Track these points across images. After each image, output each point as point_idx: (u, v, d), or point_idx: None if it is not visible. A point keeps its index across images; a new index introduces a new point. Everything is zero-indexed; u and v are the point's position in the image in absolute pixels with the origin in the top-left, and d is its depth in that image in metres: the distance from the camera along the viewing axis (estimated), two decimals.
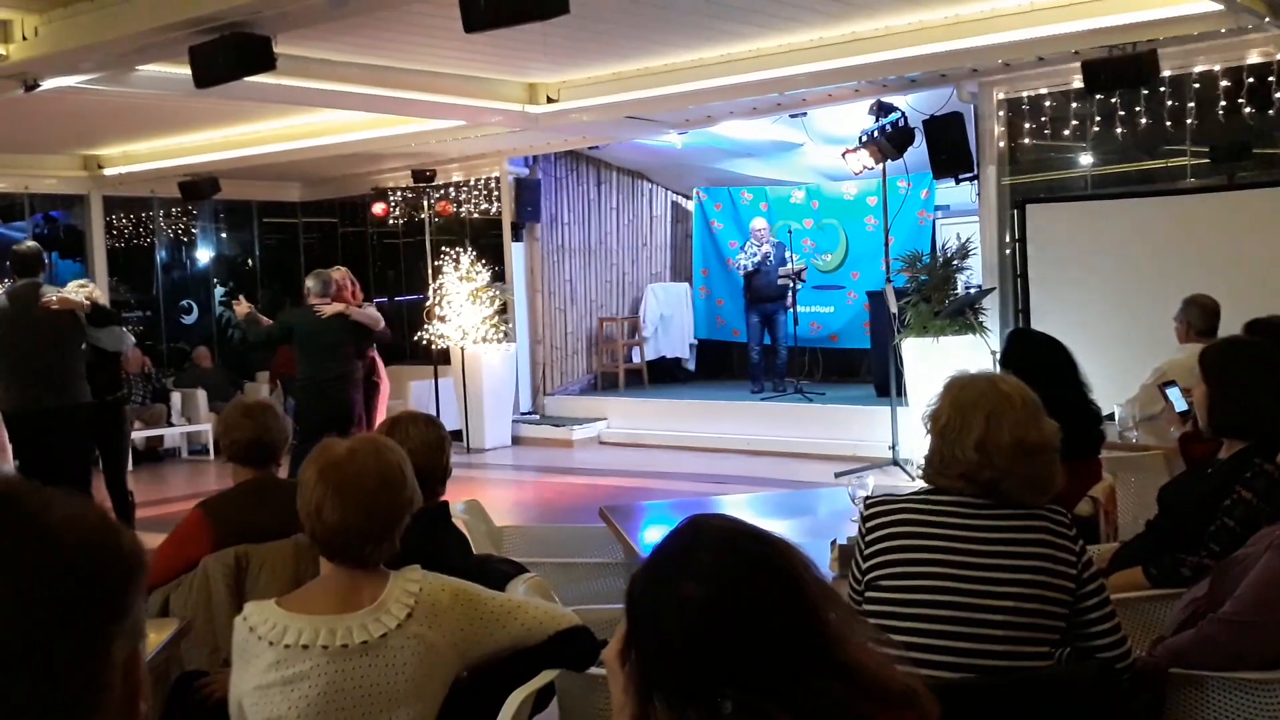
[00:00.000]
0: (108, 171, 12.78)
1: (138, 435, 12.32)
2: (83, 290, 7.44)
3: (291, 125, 11.06)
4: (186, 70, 6.71)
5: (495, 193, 13.42)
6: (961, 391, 2.57)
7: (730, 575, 1.51)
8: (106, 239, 13.73)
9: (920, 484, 2.70)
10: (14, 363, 7.18)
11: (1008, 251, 10.10)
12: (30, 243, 7.69)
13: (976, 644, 2.42)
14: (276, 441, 3.86)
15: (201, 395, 13.08)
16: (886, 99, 9.89)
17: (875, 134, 9.77)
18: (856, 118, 10.44)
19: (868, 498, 2.72)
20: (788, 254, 12.53)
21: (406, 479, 2.49)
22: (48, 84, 7.61)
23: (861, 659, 1.51)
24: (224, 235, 15.52)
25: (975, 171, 10.20)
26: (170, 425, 12.79)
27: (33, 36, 6.98)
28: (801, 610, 1.49)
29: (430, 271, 13.03)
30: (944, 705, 1.56)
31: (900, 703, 1.51)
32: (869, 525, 2.60)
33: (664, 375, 14.30)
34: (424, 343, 12.66)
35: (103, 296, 7.97)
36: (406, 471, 2.50)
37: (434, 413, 6.22)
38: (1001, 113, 10.09)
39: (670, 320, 14.34)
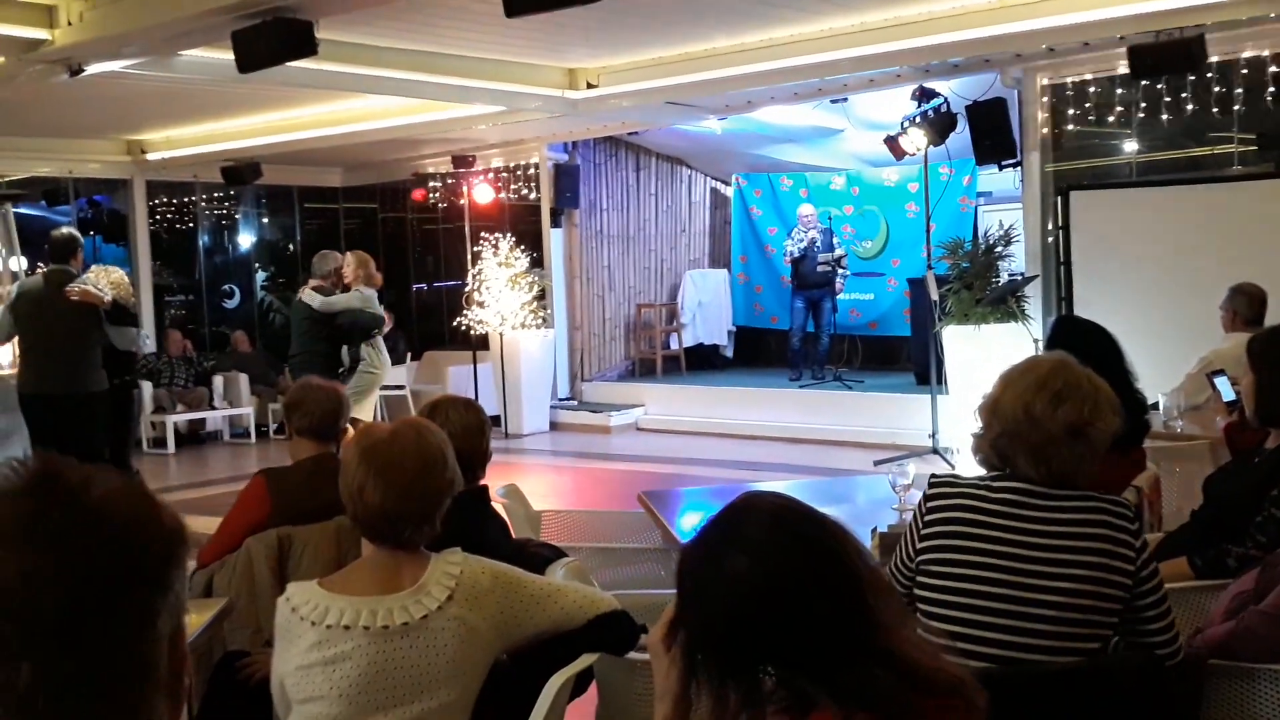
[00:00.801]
0: (151, 156, 12.89)
1: (180, 418, 12.45)
2: (106, 277, 7.53)
3: (333, 110, 11.12)
4: (229, 55, 6.75)
5: (534, 178, 13.43)
6: (1014, 367, 2.61)
7: (778, 552, 1.50)
8: (149, 223, 13.85)
9: (959, 472, 2.68)
10: (35, 346, 7.38)
11: (1050, 239, 10.01)
12: (66, 229, 7.78)
13: (1028, 637, 2.39)
14: (338, 419, 3.91)
15: (243, 379, 13.19)
16: (929, 84, 9.82)
17: (917, 119, 9.69)
18: (898, 103, 10.36)
19: (932, 475, 2.67)
20: (834, 239, 12.46)
21: (447, 462, 2.50)
22: (92, 69, 7.68)
23: (908, 648, 1.49)
24: (265, 220, 15.63)
25: (1019, 158, 10.10)
26: (212, 408, 12.91)
27: (77, 21, 7.05)
28: (849, 593, 1.48)
29: (469, 257, 13.06)
30: (991, 694, 1.54)
31: (946, 692, 1.49)
32: (930, 505, 2.57)
33: (702, 362, 14.28)
34: (463, 328, 12.70)
35: (129, 293, 8.00)
36: (448, 454, 2.51)
37: (472, 398, 6.30)
38: (1046, 98, 9.99)
39: (708, 307, 14.30)
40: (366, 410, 8.31)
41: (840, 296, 12.51)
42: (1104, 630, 2.45)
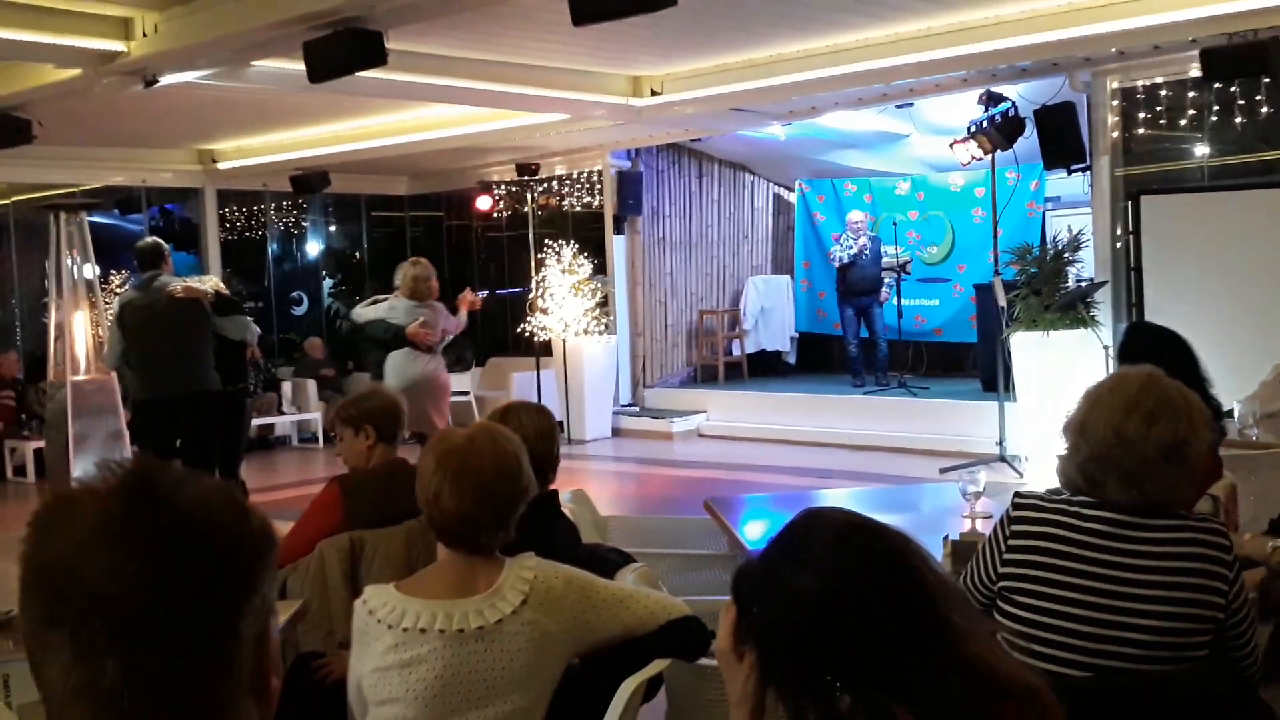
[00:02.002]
0: (221, 165, 13.09)
1: (250, 423, 12.63)
2: (206, 283, 7.67)
3: (400, 119, 11.23)
4: (300, 65, 6.84)
5: (597, 186, 13.48)
6: (1101, 384, 2.51)
7: (845, 568, 1.49)
8: (219, 231, 14.06)
9: (1025, 480, 2.64)
10: (146, 353, 7.45)
11: (1120, 244, 9.88)
12: (150, 237, 7.92)
13: (1116, 661, 2.33)
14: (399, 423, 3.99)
15: (311, 385, 13.37)
16: (996, 89, 9.73)
17: (984, 124, 9.61)
18: (965, 107, 10.28)
19: (1017, 494, 2.55)
20: (883, 247, 12.39)
21: (522, 467, 2.51)
22: (166, 79, 7.81)
23: (983, 656, 1.48)
24: (333, 228, 15.82)
25: (1087, 162, 9.98)
26: (281, 414, 13.08)
27: (152, 33, 7.18)
28: (919, 605, 1.46)
29: (533, 264, 13.14)
30: (1068, 705, 1.53)
31: (1023, 700, 1.48)
32: (1015, 528, 2.47)
33: (764, 368, 14.24)
34: (526, 335, 12.77)
35: (218, 285, 8.16)
36: (522, 460, 2.53)
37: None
38: (1115, 102, 9.86)
39: (771, 313, 14.26)
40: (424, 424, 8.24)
41: (905, 303, 12.41)
42: (1194, 656, 2.36)
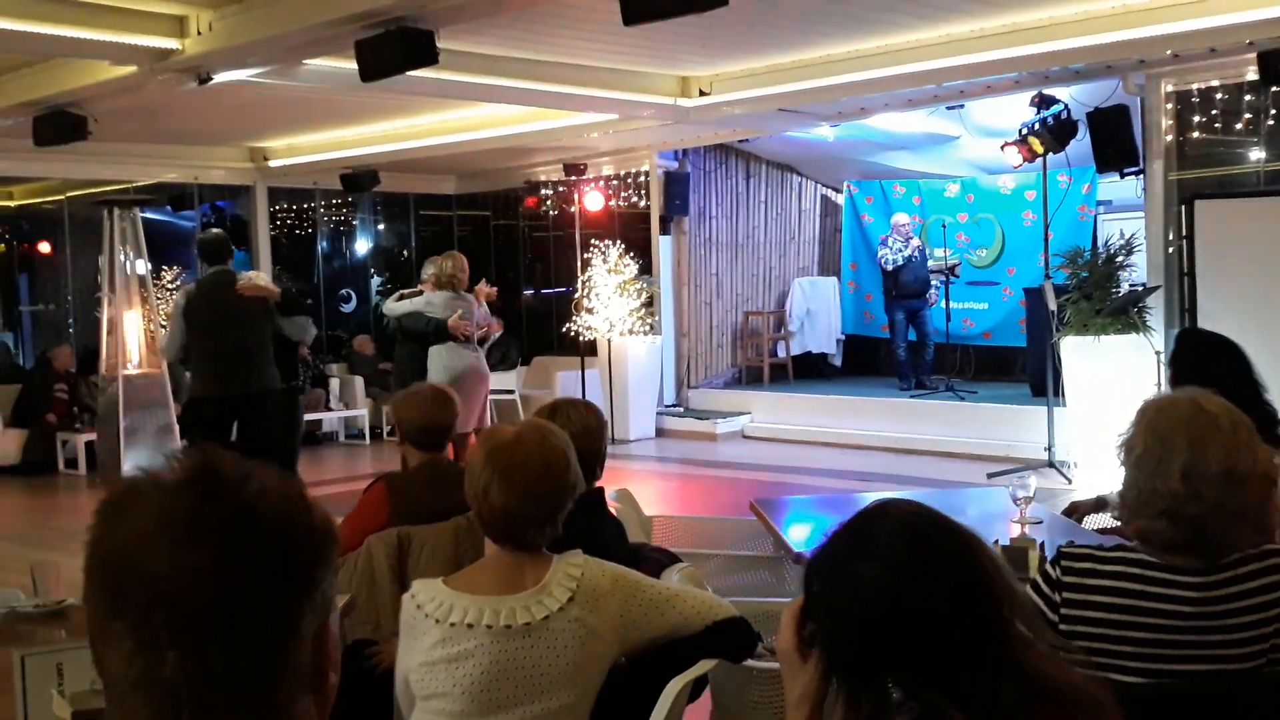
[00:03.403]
0: (273, 163, 13.22)
1: None
2: (262, 281, 7.69)
3: (448, 119, 11.29)
4: (352, 64, 6.90)
5: (644, 186, 13.49)
6: (1159, 415, 2.28)
7: (912, 560, 1.47)
8: (270, 229, 14.19)
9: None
10: (207, 348, 7.34)
11: (1173, 249, 9.75)
12: (215, 230, 7.92)
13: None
14: (447, 427, 3.96)
15: (358, 381, 13.47)
16: (1048, 91, 9.64)
17: (1036, 126, 9.52)
18: (1016, 109, 10.19)
19: (1064, 552, 2.38)
20: (929, 249, 12.29)
21: (570, 464, 2.52)
22: (219, 77, 7.89)
23: (1042, 663, 1.45)
24: (381, 227, 15.94)
25: (1141, 165, 9.86)
26: (328, 410, 13.18)
27: (206, 31, 7.25)
28: (983, 605, 1.44)
29: (579, 264, 13.16)
30: (1138, 713, 1.50)
31: (1081, 709, 1.46)
32: (1069, 593, 2.32)
33: (809, 370, 14.18)
34: (571, 334, 12.80)
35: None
36: (570, 457, 2.53)
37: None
38: (1170, 105, 9.73)
39: (817, 315, 14.21)
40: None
41: (953, 306, 12.33)
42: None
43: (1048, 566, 2.40)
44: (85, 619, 1.03)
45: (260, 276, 8.03)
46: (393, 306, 8.39)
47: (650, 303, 12.91)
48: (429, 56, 6.56)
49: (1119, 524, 4.17)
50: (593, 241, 13.11)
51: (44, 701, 2.25)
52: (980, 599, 1.45)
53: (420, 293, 8.47)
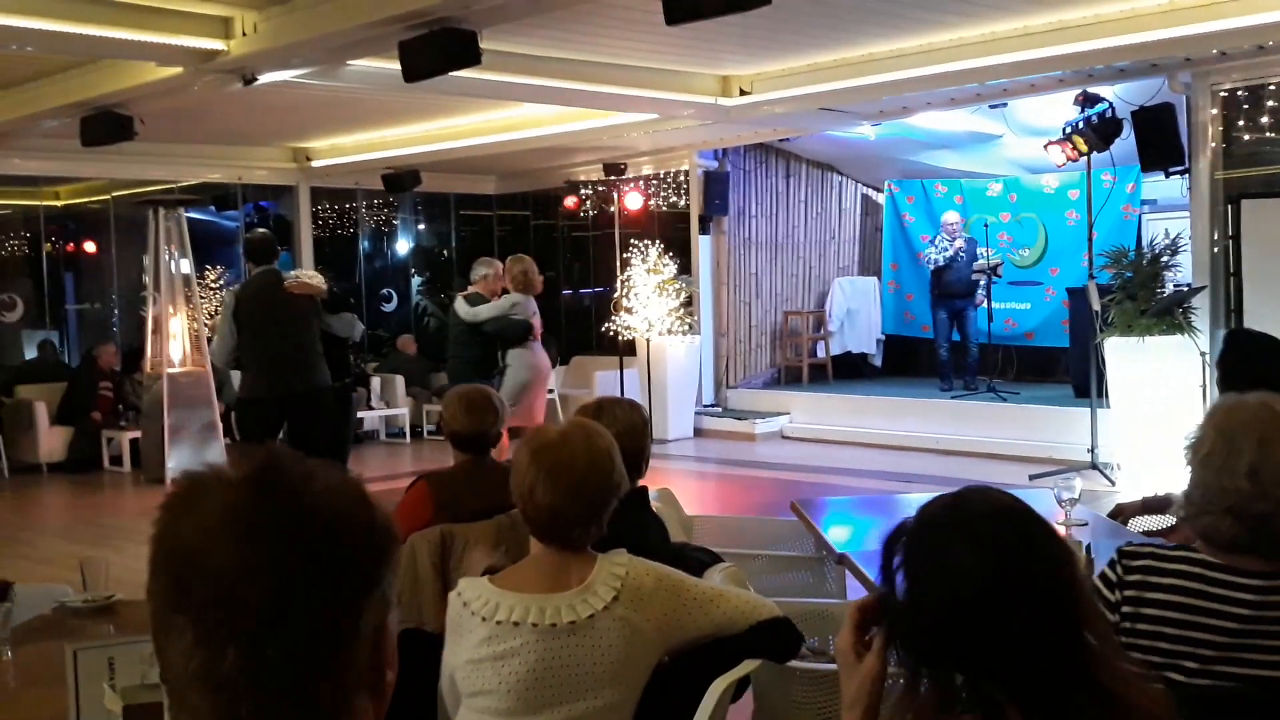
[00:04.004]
0: (315, 163, 13.32)
1: None
2: (315, 279, 7.74)
3: (489, 119, 11.33)
4: (395, 65, 6.94)
5: (684, 186, 13.48)
6: (1228, 416, 2.28)
7: (1005, 551, 1.45)
8: (312, 229, 14.29)
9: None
10: (257, 348, 7.31)
11: (1218, 249, 9.65)
12: (262, 230, 7.97)
13: None
14: (490, 432, 3.97)
15: (399, 380, 13.55)
16: (1093, 89, 9.55)
17: (1080, 125, 9.44)
18: (1060, 108, 10.11)
19: (1122, 547, 2.37)
20: (979, 249, 12.22)
21: (615, 463, 2.52)
22: (264, 78, 7.96)
23: (1110, 676, 1.43)
24: (422, 226, 16.02)
25: (1186, 165, 9.76)
26: (370, 409, 13.27)
27: (252, 32, 7.32)
28: (1064, 607, 1.43)
29: (618, 264, 13.18)
30: (1195, 715, 1.48)
31: None
32: (1130, 592, 2.29)
33: (849, 370, 14.12)
34: (610, 334, 12.82)
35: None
36: (615, 456, 2.53)
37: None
38: (1216, 104, 9.63)
39: (857, 315, 14.15)
40: (527, 414, 8.31)
41: (995, 306, 12.24)
42: None
43: (1106, 568, 2.38)
44: (148, 612, 1.03)
45: (307, 273, 8.07)
46: (474, 311, 8.43)
47: (689, 302, 12.90)
48: (472, 57, 6.59)
49: (1166, 527, 4.13)
50: (632, 241, 13.12)
51: (95, 696, 2.28)
52: (1065, 603, 1.43)
53: (479, 296, 8.52)
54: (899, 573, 1.50)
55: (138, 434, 11.53)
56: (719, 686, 2.54)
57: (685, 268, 13.16)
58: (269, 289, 7.34)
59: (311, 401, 7.25)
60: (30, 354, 13.27)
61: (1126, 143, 9.72)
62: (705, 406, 13.27)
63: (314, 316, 7.39)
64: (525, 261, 8.66)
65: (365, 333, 14.41)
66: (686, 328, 12.79)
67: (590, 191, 14.16)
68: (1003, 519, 1.49)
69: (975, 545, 1.46)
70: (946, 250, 12.16)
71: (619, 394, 12.10)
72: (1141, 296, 8.96)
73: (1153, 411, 8.61)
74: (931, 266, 12.36)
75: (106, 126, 8.86)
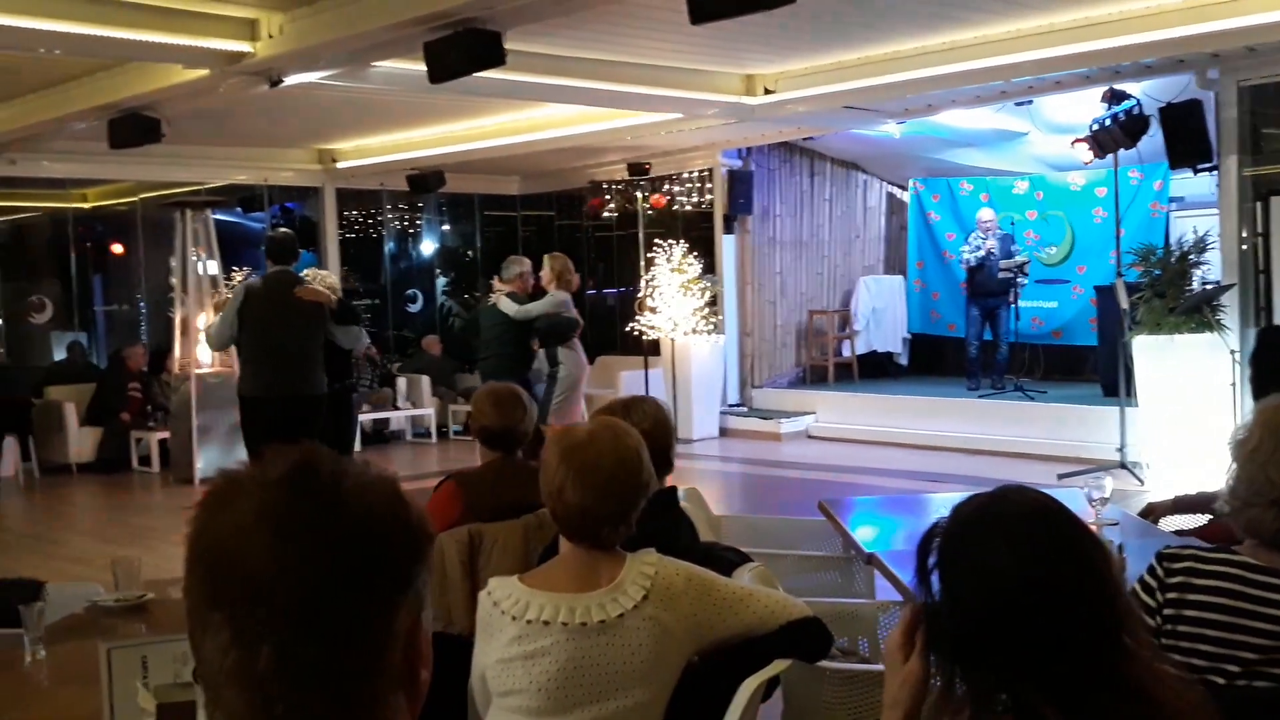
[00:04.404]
0: (340, 165, 13.37)
1: (365, 418, 12.87)
2: (328, 280, 7.76)
3: (514, 119, 11.35)
4: (420, 66, 6.95)
5: (708, 185, 13.47)
6: (1276, 413, 2.32)
7: (1041, 551, 1.45)
8: (338, 230, 14.35)
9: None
10: (261, 347, 7.33)
11: (1247, 246, 9.57)
12: (285, 230, 7.97)
13: None
14: (521, 430, 3.97)
15: (425, 380, 13.59)
16: (1119, 86, 9.49)
17: (1107, 122, 9.38)
18: (1086, 105, 10.05)
19: (1163, 550, 2.38)
20: (1013, 246, 12.15)
21: (643, 463, 2.51)
22: (290, 80, 7.99)
23: (1149, 679, 1.42)
24: (446, 227, 16.07)
25: (1215, 162, 9.68)
26: (395, 409, 13.31)
27: (277, 34, 7.34)
28: (1101, 609, 1.42)
29: (642, 263, 13.17)
30: (1236, 716, 1.47)
31: None
32: (1171, 594, 2.29)
33: (875, 370, 14.08)
34: (634, 334, 12.81)
35: (338, 287, 8.19)
36: (643, 455, 2.52)
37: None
38: (1245, 100, 9.55)
39: (883, 314, 14.10)
40: (573, 413, 8.35)
41: (1022, 304, 12.18)
42: None
43: (1146, 572, 2.37)
44: (185, 609, 1.04)
45: (329, 276, 8.09)
46: (525, 309, 8.44)
47: (714, 302, 12.89)
48: (496, 58, 6.59)
49: (1198, 527, 4.10)
50: (656, 241, 13.12)
51: (129, 694, 2.29)
52: (1100, 603, 1.42)
53: (513, 294, 8.54)
54: (934, 572, 1.49)
55: (166, 434, 11.60)
56: (749, 686, 2.53)
57: (710, 267, 13.16)
58: (280, 289, 7.32)
59: (306, 406, 7.22)
60: (59, 355, 13.37)
61: (1154, 140, 9.66)
62: (730, 406, 13.25)
63: (320, 324, 7.37)
64: (564, 259, 8.73)
65: (392, 334, 14.48)
66: (711, 327, 12.78)
67: (614, 191, 14.16)
68: (1039, 518, 1.48)
69: (1011, 544, 1.45)
70: (979, 249, 12.10)
71: (644, 393, 12.10)
72: (1170, 294, 8.90)
73: (1182, 410, 8.55)
74: (966, 266, 12.30)
75: (134, 129, 8.91)
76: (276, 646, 0.99)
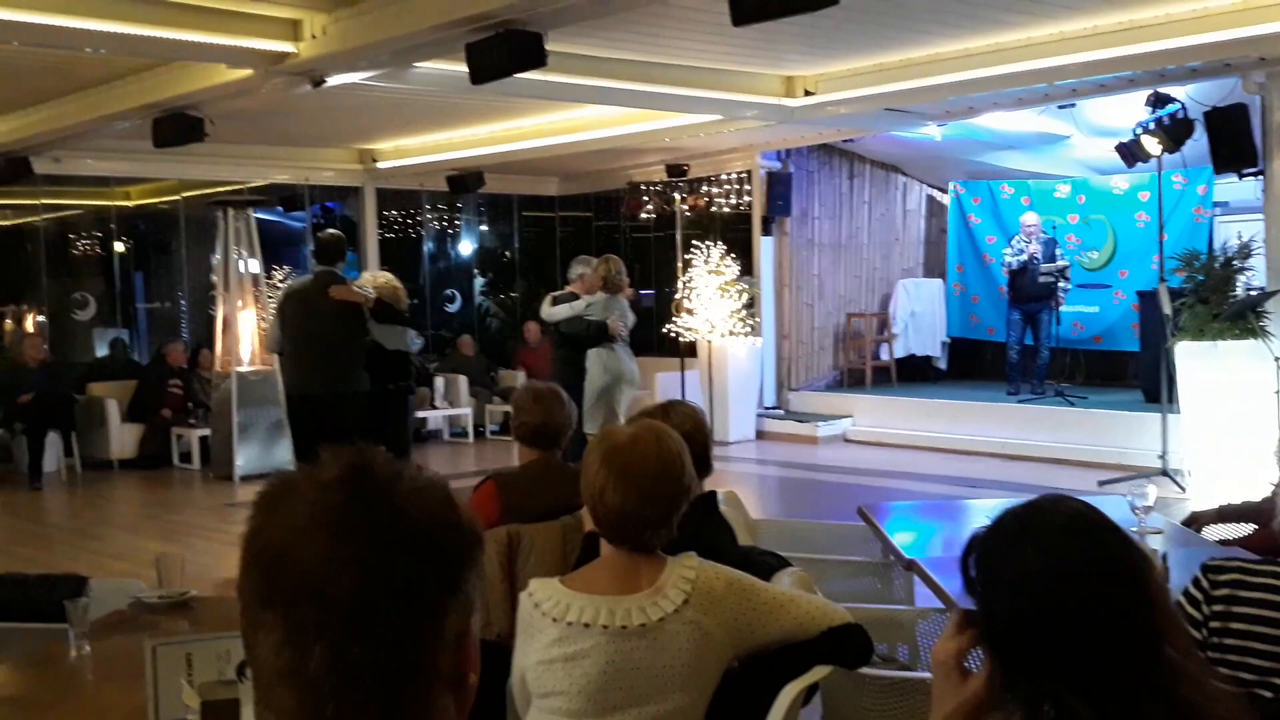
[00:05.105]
0: (381, 165, 13.44)
1: None
2: (374, 280, 7.76)
3: (553, 120, 11.37)
4: (461, 67, 6.97)
5: (746, 187, 13.44)
6: None
7: (1075, 556, 1.44)
8: (378, 230, 14.42)
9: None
10: (300, 345, 7.52)
11: None
12: (330, 231, 8.02)
13: None
14: (560, 427, 3.98)
15: (462, 380, 13.64)
16: (1164, 89, 9.40)
17: (1151, 126, 9.29)
18: (1130, 108, 9.95)
19: (1208, 561, 2.35)
20: (1057, 250, 12.06)
21: (685, 466, 2.51)
22: (332, 80, 8.04)
23: (1191, 690, 1.40)
24: (484, 228, 16.12)
25: (1260, 166, 9.56)
26: (433, 408, 13.36)
27: (321, 35, 7.39)
28: (1141, 616, 1.40)
29: (680, 265, 13.17)
30: None
31: None
32: (1218, 606, 2.27)
33: (913, 373, 14.01)
34: (671, 335, 12.81)
35: (396, 294, 7.98)
36: (685, 459, 2.52)
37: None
38: None
39: (921, 317, 14.03)
40: (610, 419, 8.22)
41: (1063, 309, 12.09)
42: None
43: (1191, 584, 2.34)
44: (238, 608, 1.05)
45: (380, 276, 8.08)
46: (550, 311, 8.44)
47: (751, 304, 12.86)
48: (537, 59, 6.60)
49: (1241, 536, 4.06)
50: (694, 242, 13.10)
51: (174, 691, 2.31)
52: (1139, 608, 1.41)
53: (572, 295, 8.53)
54: (979, 580, 1.48)
55: (206, 431, 11.70)
56: (790, 692, 2.52)
57: (747, 269, 13.13)
58: (317, 290, 7.45)
59: (340, 403, 7.29)
60: (101, 352, 13.52)
61: (1198, 144, 9.56)
62: (767, 409, 13.22)
63: (357, 324, 7.42)
64: (610, 263, 8.62)
65: (430, 334, 14.51)
66: (748, 329, 12.75)
67: (652, 192, 14.16)
68: (1075, 524, 1.47)
69: (1044, 548, 1.44)
70: (1022, 253, 12.01)
71: (680, 395, 12.09)
72: (1214, 300, 8.80)
73: (1225, 417, 8.45)
74: (1006, 269, 12.21)
75: (177, 128, 8.99)
76: (329, 647, 1.00)
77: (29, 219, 13.07)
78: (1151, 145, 9.46)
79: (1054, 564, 1.43)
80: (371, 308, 7.47)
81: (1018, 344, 12.30)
